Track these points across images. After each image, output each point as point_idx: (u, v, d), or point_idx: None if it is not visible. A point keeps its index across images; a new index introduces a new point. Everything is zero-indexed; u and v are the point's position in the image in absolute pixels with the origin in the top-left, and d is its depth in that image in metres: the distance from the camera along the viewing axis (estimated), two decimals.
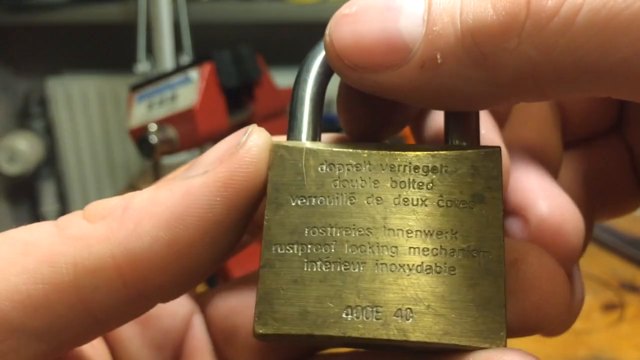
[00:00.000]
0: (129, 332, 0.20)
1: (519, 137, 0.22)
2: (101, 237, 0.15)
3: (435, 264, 0.16)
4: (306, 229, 0.17)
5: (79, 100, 1.41)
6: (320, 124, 0.19)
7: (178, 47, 1.16)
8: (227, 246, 0.17)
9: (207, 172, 0.16)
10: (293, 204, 0.17)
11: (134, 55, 1.18)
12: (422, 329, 0.16)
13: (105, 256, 0.15)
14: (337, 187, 0.17)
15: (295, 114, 0.19)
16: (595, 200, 0.24)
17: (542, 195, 0.20)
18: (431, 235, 0.17)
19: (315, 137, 0.18)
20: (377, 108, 0.19)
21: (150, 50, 1.16)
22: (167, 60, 1.11)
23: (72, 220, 0.16)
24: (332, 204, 0.17)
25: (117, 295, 0.16)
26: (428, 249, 0.16)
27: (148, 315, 0.20)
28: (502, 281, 0.16)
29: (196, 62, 0.71)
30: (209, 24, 1.28)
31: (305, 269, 0.17)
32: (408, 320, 0.16)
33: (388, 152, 0.17)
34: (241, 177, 0.16)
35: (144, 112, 0.69)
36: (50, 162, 1.51)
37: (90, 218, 0.16)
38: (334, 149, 0.18)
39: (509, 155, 0.21)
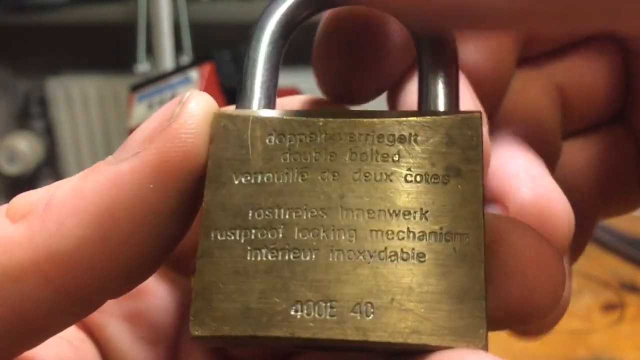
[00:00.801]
0: (116, 329, 0.19)
1: (511, 120, 0.20)
2: (21, 240, 0.14)
3: (402, 249, 0.14)
4: (250, 211, 0.14)
5: (79, 101, 1.41)
6: (275, 91, 0.16)
7: (178, 47, 1.16)
8: (173, 234, 0.15)
9: (137, 155, 0.14)
10: (236, 182, 0.15)
11: (134, 55, 1.18)
12: (385, 327, 0.13)
13: (27, 262, 0.14)
14: (288, 161, 0.15)
15: (245, 79, 0.16)
16: (597, 195, 0.22)
17: (527, 182, 0.18)
18: (397, 215, 0.14)
19: (268, 105, 0.16)
20: (356, 63, 0.17)
21: (150, 51, 1.16)
22: (167, 60, 1.11)
23: None
24: (280, 181, 0.15)
25: (49, 301, 0.14)
26: (393, 232, 0.14)
27: (135, 311, 0.19)
28: (481, 269, 0.14)
29: (196, 62, 0.71)
30: (209, 24, 1.28)
31: (248, 258, 0.14)
32: (368, 316, 0.13)
33: (348, 120, 0.15)
34: (177, 157, 0.14)
35: (144, 112, 0.69)
36: (50, 162, 1.51)
37: (12, 215, 0.14)
38: (285, 117, 0.15)
39: (498, 139, 0.19)
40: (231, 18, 1.29)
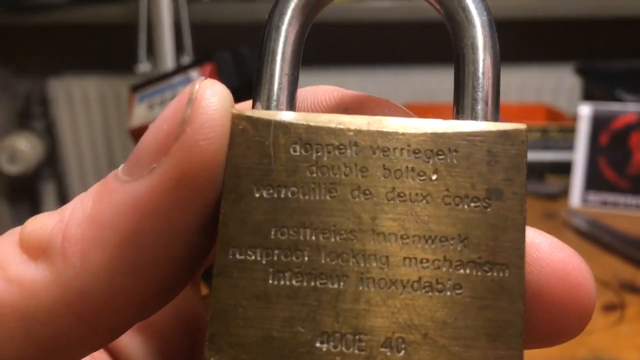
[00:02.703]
0: (129, 341, 0.18)
1: None
2: (48, 283, 0.13)
3: (437, 280, 0.13)
4: (273, 229, 0.13)
5: (80, 101, 1.41)
6: (296, 87, 0.15)
7: (179, 48, 1.16)
8: (203, 249, 0.14)
9: (154, 170, 0.13)
10: (257, 195, 0.13)
11: (135, 55, 1.18)
12: None
13: (57, 304, 0.13)
14: (314, 175, 0.13)
15: (262, 74, 0.15)
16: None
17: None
18: (433, 242, 0.13)
19: (290, 103, 0.15)
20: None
21: (151, 51, 1.16)
22: (168, 60, 1.11)
23: (10, 256, 0.13)
24: (306, 197, 0.13)
25: (82, 336, 0.13)
26: (428, 260, 0.13)
27: (147, 322, 0.18)
28: (521, 303, 0.13)
29: (197, 62, 0.71)
30: (210, 24, 1.28)
31: (270, 282, 0.13)
32: (399, 352, 0.13)
33: (381, 131, 0.14)
34: (198, 168, 0.13)
35: (145, 113, 0.69)
36: (51, 163, 1.51)
37: (30, 252, 0.13)
38: (312, 124, 0.14)
39: None
40: (232, 18, 1.29)
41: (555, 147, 0.97)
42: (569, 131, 0.95)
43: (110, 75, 1.39)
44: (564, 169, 0.89)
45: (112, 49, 1.38)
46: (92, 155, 1.46)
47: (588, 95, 1.00)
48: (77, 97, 1.41)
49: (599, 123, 0.82)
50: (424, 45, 1.23)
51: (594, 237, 0.72)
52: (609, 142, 0.82)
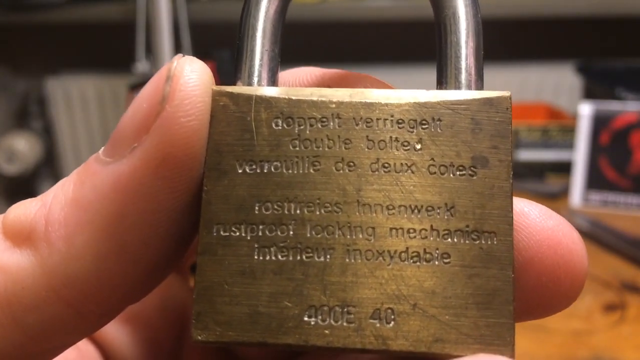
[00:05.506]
0: (116, 332, 0.18)
1: None
2: (33, 269, 0.13)
3: (425, 249, 0.13)
4: (257, 205, 0.13)
5: (78, 100, 1.41)
6: (278, 63, 0.15)
7: (177, 47, 1.16)
8: (190, 227, 0.14)
9: (135, 149, 0.13)
10: (240, 170, 0.13)
11: (133, 54, 1.18)
12: (407, 336, 0.12)
13: (43, 290, 0.12)
14: (297, 148, 0.13)
15: (242, 50, 0.15)
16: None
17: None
18: (419, 211, 0.13)
19: (271, 79, 0.15)
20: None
21: (150, 50, 1.15)
22: (167, 59, 1.11)
23: None
24: (290, 171, 0.13)
25: (71, 323, 0.13)
26: (415, 230, 0.13)
27: (134, 313, 0.18)
28: (510, 270, 0.13)
29: None
30: (209, 23, 1.28)
31: (255, 257, 0.13)
32: (389, 323, 0.13)
33: (364, 102, 0.14)
34: (180, 146, 0.12)
35: None
36: (49, 162, 1.50)
37: (13, 238, 0.13)
38: (293, 98, 0.14)
39: None
40: (231, 17, 1.28)
41: (555, 146, 0.96)
42: (570, 130, 0.95)
43: (109, 74, 1.39)
44: (565, 168, 0.89)
45: (111, 48, 1.38)
46: (90, 155, 1.45)
47: (589, 94, 1.00)
48: (75, 97, 1.41)
49: (599, 122, 0.82)
50: (423, 43, 1.23)
51: (594, 236, 0.71)
52: (609, 141, 0.82)
